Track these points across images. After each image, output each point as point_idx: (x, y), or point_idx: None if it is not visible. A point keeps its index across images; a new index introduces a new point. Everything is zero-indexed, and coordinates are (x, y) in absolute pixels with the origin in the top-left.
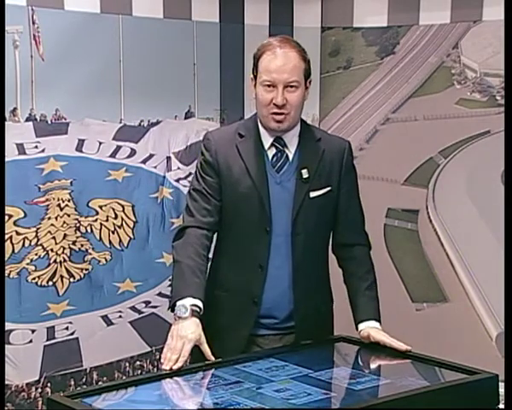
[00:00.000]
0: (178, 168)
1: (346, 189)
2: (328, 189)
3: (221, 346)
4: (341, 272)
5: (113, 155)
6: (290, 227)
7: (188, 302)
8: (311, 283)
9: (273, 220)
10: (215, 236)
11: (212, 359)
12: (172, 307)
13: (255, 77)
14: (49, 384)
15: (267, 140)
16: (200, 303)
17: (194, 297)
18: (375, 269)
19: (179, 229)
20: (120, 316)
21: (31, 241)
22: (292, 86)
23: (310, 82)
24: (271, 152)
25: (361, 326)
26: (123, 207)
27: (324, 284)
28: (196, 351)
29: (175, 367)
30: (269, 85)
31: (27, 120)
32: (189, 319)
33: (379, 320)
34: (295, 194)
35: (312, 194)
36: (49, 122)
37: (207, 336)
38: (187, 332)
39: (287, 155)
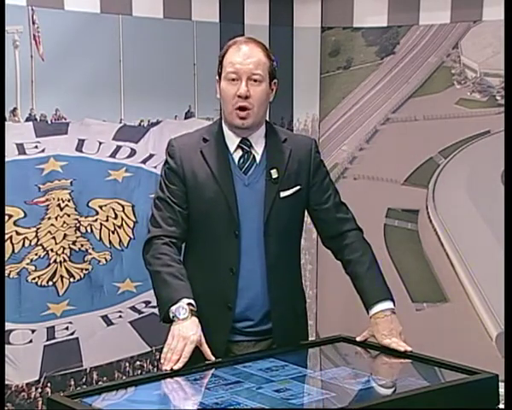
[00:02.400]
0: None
1: (318, 185)
2: (298, 188)
3: (200, 354)
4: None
5: (113, 155)
6: (262, 229)
7: (184, 303)
8: (286, 283)
9: (242, 223)
10: (183, 245)
11: (212, 359)
12: (164, 318)
13: (220, 75)
14: (49, 384)
15: (233, 142)
16: (194, 303)
17: (188, 298)
18: (372, 249)
19: (147, 240)
20: (120, 316)
21: (31, 241)
22: (256, 80)
23: (275, 84)
24: (238, 154)
25: (370, 313)
26: (123, 207)
27: (298, 284)
28: (196, 351)
29: (175, 368)
30: (233, 79)
31: (27, 120)
32: (189, 319)
33: (388, 297)
34: (265, 195)
35: (283, 194)
36: (49, 122)
37: None
38: (189, 333)
39: (254, 157)
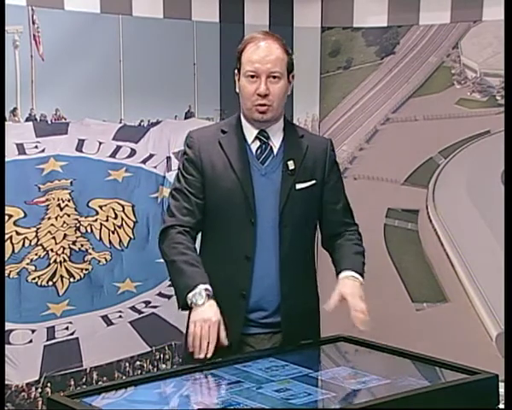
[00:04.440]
0: (178, 168)
1: (331, 184)
2: (313, 182)
3: None
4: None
5: (113, 155)
6: (277, 218)
7: (200, 289)
8: (298, 277)
9: (258, 212)
10: (199, 235)
11: (226, 343)
12: (182, 306)
13: (239, 71)
14: (49, 384)
15: (251, 133)
16: (210, 287)
17: (205, 283)
18: (364, 251)
19: (162, 230)
20: (120, 316)
21: (31, 241)
22: (275, 77)
23: (293, 76)
24: (255, 145)
25: (339, 277)
26: (123, 207)
27: (311, 280)
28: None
29: (209, 355)
30: (252, 76)
31: (27, 120)
32: (206, 303)
33: (358, 271)
34: (281, 185)
35: (298, 186)
36: (49, 122)
37: None
38: (210, 315)
39: (271, 148)
